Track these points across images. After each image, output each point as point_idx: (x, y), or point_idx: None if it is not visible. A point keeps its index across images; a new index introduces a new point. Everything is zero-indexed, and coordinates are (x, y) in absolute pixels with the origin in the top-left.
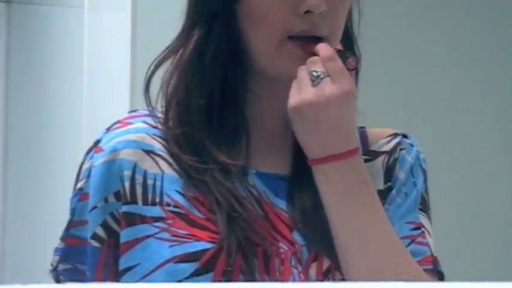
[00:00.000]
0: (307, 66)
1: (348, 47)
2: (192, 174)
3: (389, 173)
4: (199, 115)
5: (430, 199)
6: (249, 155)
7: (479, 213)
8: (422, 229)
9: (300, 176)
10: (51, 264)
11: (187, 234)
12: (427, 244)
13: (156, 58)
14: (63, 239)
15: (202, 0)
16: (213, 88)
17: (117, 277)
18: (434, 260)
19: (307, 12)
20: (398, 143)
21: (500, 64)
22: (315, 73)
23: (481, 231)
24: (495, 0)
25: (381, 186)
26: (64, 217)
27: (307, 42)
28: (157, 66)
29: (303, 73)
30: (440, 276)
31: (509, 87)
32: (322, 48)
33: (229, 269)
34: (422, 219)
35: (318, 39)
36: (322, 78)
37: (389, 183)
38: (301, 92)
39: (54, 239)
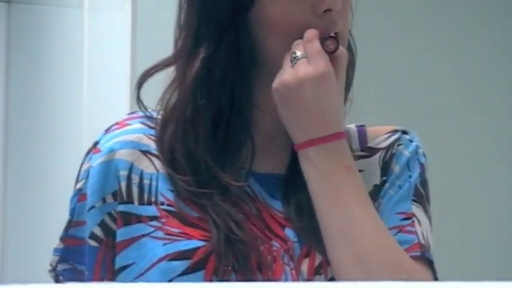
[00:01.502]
0: (291, 48)
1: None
2: (189, 197)
3: (385, 167)
4: (205, 134)
5: (432, 198)
6: (251, 165)
7: (479, 212)
8: (413, 218)
9: (295, 175)
10: (51, 265)
11: (179, 233)
12: (414, 232)
13: (148, 69)
14: (62, 239)
15: (210, 16)
16: (222, 106)
17: (114, 276)
18: (422, 247)
19: (326, 11)
20: (397, 139)
21: (500, 64)
22: (293, 55)
23: (481, 231)
24: (495, 0)
25: (377, 181)
26: (64, 217)
27: (325, 40)
28: (146, 77)
29: (286, 57)
30: (429, 263)
31: (509, 87)
32: (307, 31)
33: (226, 267)
34: (415, 209)
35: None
36: (298, 60)
37: (384, 178)
38: (281, 73)
39: (54, 239)
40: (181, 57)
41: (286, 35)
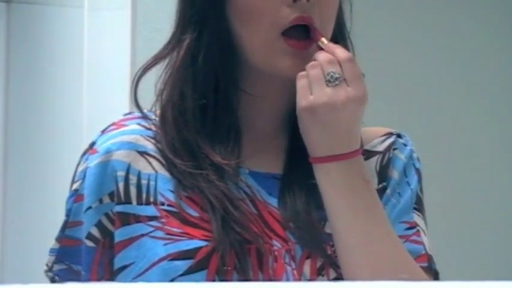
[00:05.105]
0: (323, 65)
1: (341, 42)
2: (187, 178)
3: (383, 173)
4: (194, 118)
5: (430, 199)
6: (241, 154)
7: (479, 212)
8: (417, 228)
9: (292, 175)
10: (47, 265)
11: (180, 233)
12: (421, 243)
13: (144, 65)
14: (58, 239)
15: (192, 5)
16: (207, 90)
17: (111, 277)
18: (429, 258)
19: (296, 0)
20: (392, 143)
21: (500, 64)
22: (333, 74)
23: (481, 231)
24: (495, 0)
25: (375, 186)
26: (63, 217)
27: (301, 40)
28: (143, 73)
29: (316, 71)
30: (435, 274)
31: (509, 87)
32: (339, 50)
33: (225, 267)
34: (417, 218)
35: (309, 32)
36: (340, 81)
37: (383, 183)
38: (315, 92)
39: (53, 239)
40: (172, 45)
41: (259, 26)
